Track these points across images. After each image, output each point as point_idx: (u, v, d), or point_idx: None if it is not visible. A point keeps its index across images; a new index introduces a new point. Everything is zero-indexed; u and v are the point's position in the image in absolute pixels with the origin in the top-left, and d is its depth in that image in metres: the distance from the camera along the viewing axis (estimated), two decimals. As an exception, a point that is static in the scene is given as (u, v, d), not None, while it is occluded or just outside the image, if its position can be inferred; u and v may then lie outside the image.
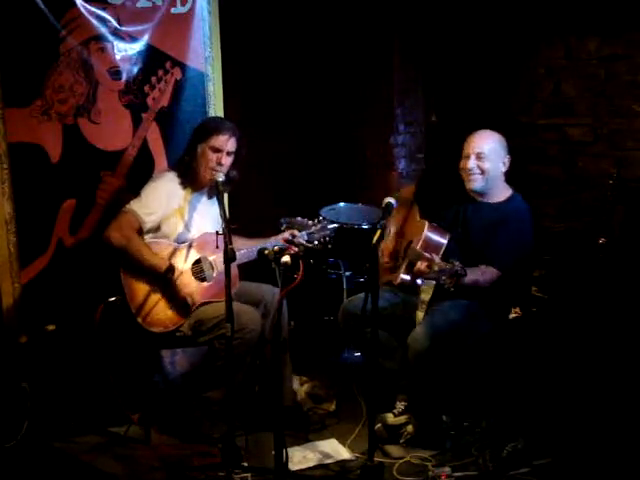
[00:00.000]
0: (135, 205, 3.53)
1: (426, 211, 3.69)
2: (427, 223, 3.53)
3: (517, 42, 4.77)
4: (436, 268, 3.15)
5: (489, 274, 3.38)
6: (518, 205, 3.58)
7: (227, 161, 3.60)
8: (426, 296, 3.52)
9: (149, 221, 3.53)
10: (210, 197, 3.71)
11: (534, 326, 3.92)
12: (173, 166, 3.72)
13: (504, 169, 3.56)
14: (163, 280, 3.49)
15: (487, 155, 3.50)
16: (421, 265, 3.26)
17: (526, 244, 3.52)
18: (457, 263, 3.11)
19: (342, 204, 4.62)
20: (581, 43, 4.55)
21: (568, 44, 4.60)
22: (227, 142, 3.57)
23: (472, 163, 3.51)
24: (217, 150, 3.56)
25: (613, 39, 4.42)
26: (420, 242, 3.47)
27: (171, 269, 3.48)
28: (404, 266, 3.53)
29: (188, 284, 3.53)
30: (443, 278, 3.13)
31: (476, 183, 3.54)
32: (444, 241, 3.49)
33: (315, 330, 4.37)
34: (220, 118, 3.99)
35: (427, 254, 3.28)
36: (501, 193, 3.59)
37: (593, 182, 4.57)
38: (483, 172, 3.52)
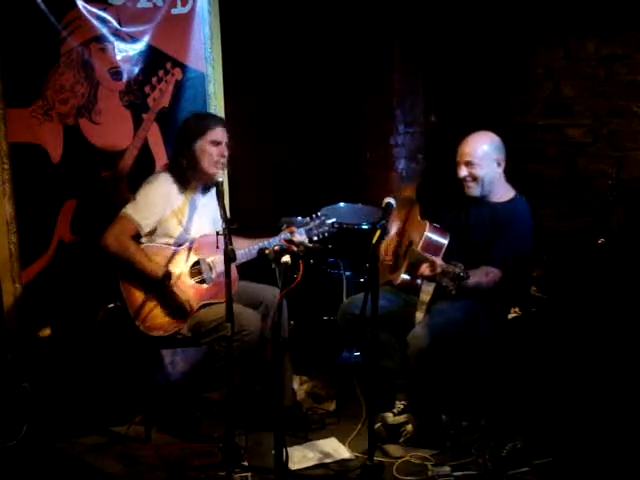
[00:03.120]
0: (131, 209, 3.51)
1: (427, 211, 3.69)
2: (428, 223, 3.53)
3: (516, 43, 4.78)
4: (439, 270, 3.14)
5: (491, 275, 3.38)
6: (521, 207, 3.57)
7: (227, 152, 3.61)
8: (426, 297, 3.53)
9: (146, 224, 3.51)
10: (205, 194, 3.69)
11: (534, 326, 3.92)
12: (167, 168, 3.69)
13: (500, 170, 3.54)
14: (160, 287, 3.48)
15: (477, 162, 3.48)
16: (424, 268, 3.25)
17: (526, 246, 3.52)
18: (460, 265, 3.10)
19: (342, 204, 4.63)
20: (580, 43, 4.55)
21: (567, 44, 4.61)
22: (223, 133, 3.59)
23: (464, 172, 3.49)
24: (217, 143, 3.56)
25: (612, 39, 4.42)
26: (421, 243, 3.47)
27: (168, 276, 3.47)
28: (405, 266, 3.54)
29: (186, 290, 3.52)
30: (446, 281, 3.12)
31: (472, 190, 3.53)
32: (445, 241, 3.49)
33: (315, 330, 4.38)
34: (205, 113, 3.95)
35: (429, 256, 3.28)
36: (502, 193, 3.59)
37: (592, 182, 4.57)
38: (476, 179, 3.49)
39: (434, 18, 4.97)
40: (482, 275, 3.36)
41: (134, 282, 3.48)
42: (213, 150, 3.56)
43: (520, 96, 4.83)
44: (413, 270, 3.44)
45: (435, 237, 3.50)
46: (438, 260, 3.22)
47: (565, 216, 4.70)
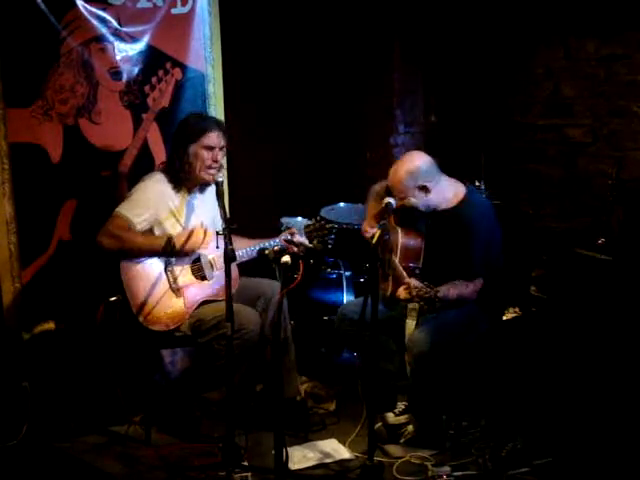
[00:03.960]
0: (123, 207, 3.50)
1: (400, 215, 3.61)
2: (400, 230, 3.52)
3: (516, 43, 4.78)
4: (414, 293, 3.18)
5: (472, 286, 3.38)
6: (472, 207, 3.48)
7: (221, 157, 3.60)
8: (415, 304, 3.48)
9: (139, 222, 3.49)
10: (202, 192, 3.68)
11: (534, 326, 3.92)
12: (162, 168, 3.68)
13: (427, 194, 3.43)
14: (169, 254, 3.47)
15: (401, 195, 3.43)
16: (401, 291, 3.28)
17: (492, 244, 3.48)
18: (432, 290, 3.14)
19: (342, 204, 4.62)
20: (580, 43, 4.55)
21: (567, 44, 4.61)
22: (218, 138, 3.56)
23: (397, 202, 3.44)
24: (211, 148, 3.55)
25: (612, 39, 4.43)
26: (399, 252, 3.46)
27: (170, 241, 3.45)
28: (390, 281, 3.52)
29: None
30: (421, 304, 3.21)
31: (421, 211, 3.49)
32: (420, 243, 3.49)
33: (315, 330, 4.38)
34: (203, 115, 3.89)
35: (405, 276, 3.30)
36: (448, 198, 3.49)
37: (592, 182, 4.58)
38: (414, 205, 3.46)
39: (434, 18, 4.97)
40: (462, 287, 3.35)
41: (136, 276, 3.48)
42: (206, 155, 3.54)
43: (520, 96, 4.84)
44: (396, 287, 3.43)
45: (411, 242, 3.50)
46: (412, 281, 3.23)
47: (565, 216, 4.70)
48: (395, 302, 3.47)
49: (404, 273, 3.34)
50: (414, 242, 3.50)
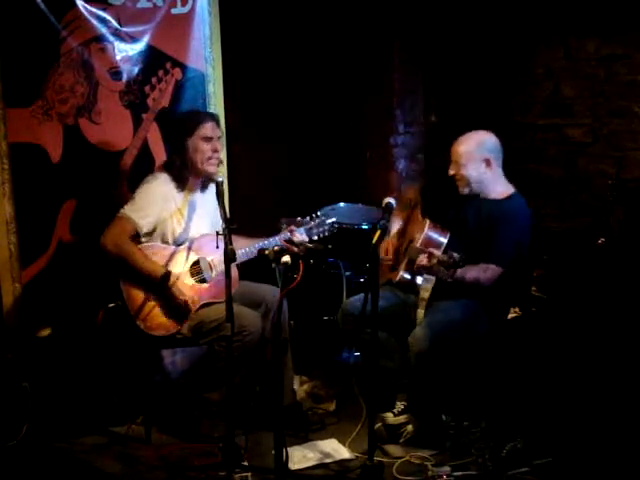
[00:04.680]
0: (129, 209, 3.50)
1: (429, 210, 3.70)
2: (428, 221, 3.55)
3: (516, 43, 4.78)
4: (435, 261, 3.20)
5: (490, 272, 3.40)
6: (517, 204, 3.57)
7: (220, 147, 3.60)
8: (426, 294, 3.54)
9: (144, 224, 3.50)
10: (203, 192, 3.68)
11: (534, 326, 3.92)
12: (164, 167, 3.67)
13: (488, 169, 3.53)
14: (160, 286, 3.46)
15: (463, 162, 3.51)
16: (422, 258, 3.30)
17: (523, 242, 3.53)
18: (455, 254, 3.14)
19: (342, 204, 4.62)
20: (580, 43, 4.55)
21: (567, 44, 4.61)
22: (213, 128, 3.58)
23: (451, 170, 3.56)
24: (208, 139, 3.55)
25: (612, 39, 4.43)
26: (421, 240, 3.49)
27: (167, 276, 3.45)
28: (404, 264, 3.55)
29: (186, 290, 3.52)
30: (442, 270, 3.20)
31: (461, 189, 3.58)
32: (444, 240, 3.51)
33: (315, 330, 4.38)
34: (194, 110, 3.92)
35: (427, 249, 3.32)
36: (499, 190, 3.59)
37: (593, 182, 4.57)
38: (463, 178, 3.53)
39: (434, 18, 4.97)
40: (480, 271, 3.38)
41: (134, 281, 3.48)
42: (205, 147, 3.54)
43: (520, 96, 4.84)
44: (413, 267, 3.46)
45: (435, 235, 3.52)
46: (435, 251, 3.26)
47: (565, 216, 4.70)
48: (405, 287, 3.52)
49: (424, 249, 3.37)
50: (438, 236, 3.53)
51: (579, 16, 4.49)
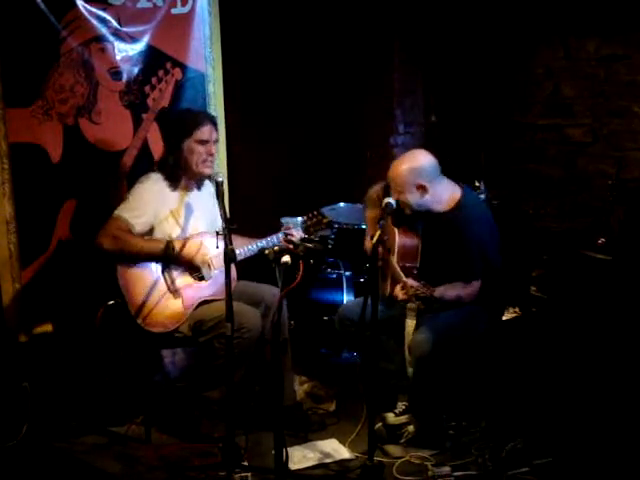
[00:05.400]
0: (122, 210, 3.49)
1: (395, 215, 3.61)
2: (396, 230, 3.52)
3: (516, 43, 4.78)
4: (410, 292, 3.19)
5: (469, 289, 3.38)
6: (468, 209, 3.46)
7: (215, 150, 3.59)
8: (413, 304, 3.48)
9: (137, 224, 3.49)
10: (200, 191, 3.67)
11: (534, 326, 3.92)
12: (157, 167, 3.66)
13: (424, 193, 3.41)
14: (167, 257, 3.47)
15: (398, 189, 3.42)
16: (397, 291, 3.29)
17: (487, 245, 3.46)
18: (431, 289, 3.16)
19: (342, 204, 4.62)
20: (580, 43, 4.56)
21: (567, 44, 4.61)
22: (211, 132, 3.56)
23: (394, 195, 3.42)
24: (205, 142, 3.54)
25: (612, 39, 4.43)
26: (396, 252, 3.46)
27: (170, 245, 3.46)
28: (389, 282, 3.52)
29: (194, 249, 3.50)
30: (418, 303, 3.23)
31: (406, 210, 3.48)
32: (417, 242, 3.49)
33: (315, 330, 4.38)
34: (194, 110, 3.87)
35: (402, 276, 3.29)
36: (444, 202, 3.48)
37: (592, 182, 4.58)
38: (404, 203, 3.45)
39: (434, 18, 4.97)
40: (460, 289, 3.36)
41: (134, 279, 3.48)
42: (200, 149, 3.53)
43: (520, 96, 4.84)
44: (394, 286, 3.43)
45: (407, 241, 3.50)
46: (409, 281, 3.23)
47: (565, 216, 4.70)
48: (394, 302, 3.47)
49: (401, 273, 3.34)
50: (410, 242, 3.50)
51: (579, 16, 4.49)
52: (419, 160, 3.46)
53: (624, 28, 4.37)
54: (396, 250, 3.48)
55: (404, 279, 3.27)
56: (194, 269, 3.56)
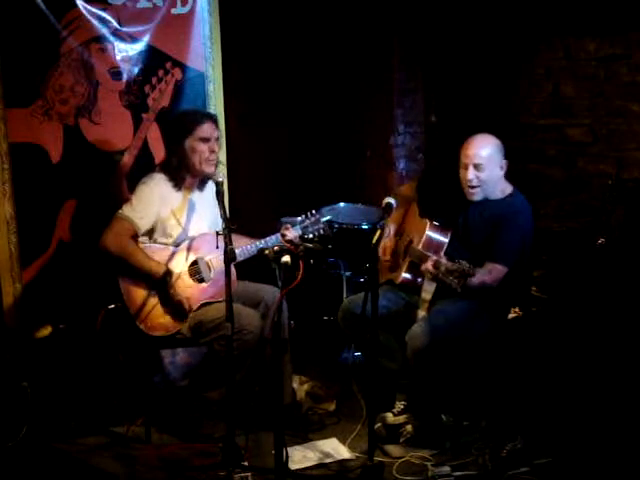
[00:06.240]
0: (127, 210, 3.50)
1: (426, 209, 3.69)
2: (429, 222, 3.54)
3: (516, 43, 4.78)
4: (443, 269, 3.13)
5: (495, 273, 3.39)
6: (520, 202, 3.56)
7: (217, 148, 3.59)
8: (427, 295, 3.52)
9: (143, 224, 3.50)
10: (202, 191, 3.68)
11: (534, 326, 3.92)
12: (161, 167, 3.66)
13: (502, 173, 3.54)
14: (161, 285, 3.47)
15: (485, 165, 3.47)
16: (428, 265, 3.24)
17: (527, 240, 3.52)
18: (464, 263, 3.09)
19: (342, 204, 4.62)
20: (580, 44, 4.55)
21: (567, 45, 4.60)
22: (212, 129, 3.56)
23: (471, 174, 3.47)
24: (206, 140, 3.54)
25: (612, 39, 4.42)
26: (422, 242, 3.48)
27: (169, 273, 3.47)
28: (406, 265, 3.54)
29: (185, 288, 3.52)
30: (450, 279, 3.10)
31: (475, 196, 3.53)
32: (445, 240, 3.50)
33: (315, 330, 4.38)
34: (193, 109, 3.91)
35: (432, 254, 3.29)
36: (501, 190, 3.58)
37: (592, 182, 4.57)
38: (482, 183, 3.49)
39: (434, 18, 4.97)
40: (486, 273, 3.36)
41: (134, 282, 3.48)
42: (203, 147, 3.53)
43: (520, 96, 4.83)
44: (414, 269, 3.45)
45: (436, 236, 3.51)
46: (442, 258, 3.21)
47: (565, 216, 4.70)
48: (405, 289, 3.47)
49: (428, 253, 3.33)
50: (439, 237, 3.51)
51: (579, 16, 4.48)
52: (498, 139, 3.54)
53: (624, 28, 4.36)
54: (421, 241, 3.48)
55: (435, 257, 3.23)
56: (194, 270, 3.56)
